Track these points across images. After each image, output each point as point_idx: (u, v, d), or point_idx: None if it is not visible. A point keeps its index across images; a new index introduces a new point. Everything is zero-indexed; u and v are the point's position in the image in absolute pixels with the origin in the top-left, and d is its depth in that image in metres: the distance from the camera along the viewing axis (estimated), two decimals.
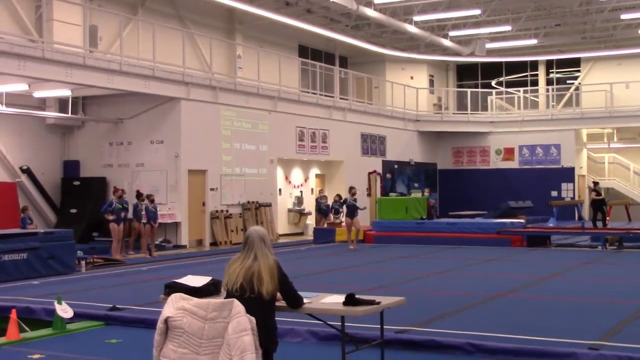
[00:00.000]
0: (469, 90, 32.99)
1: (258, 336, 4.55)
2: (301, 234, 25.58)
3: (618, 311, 9.09)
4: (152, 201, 18.10)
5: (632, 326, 8.12)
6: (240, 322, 4.49)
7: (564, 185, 30.73)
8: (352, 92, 28.05)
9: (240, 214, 21.95)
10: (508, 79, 35.46)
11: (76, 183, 20.78)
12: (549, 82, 35.27)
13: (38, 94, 18.94)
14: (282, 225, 24.92)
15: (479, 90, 33.65)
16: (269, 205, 23.10)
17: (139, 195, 18.12)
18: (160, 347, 4.59)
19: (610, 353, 6.64)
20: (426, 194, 26.62)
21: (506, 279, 12.84)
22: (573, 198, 30.20)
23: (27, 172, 19.78)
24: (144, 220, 17.85)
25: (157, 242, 18.81)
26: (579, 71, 34.52)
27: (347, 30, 28.88)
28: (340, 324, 5.42)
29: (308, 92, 25.57)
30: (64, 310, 8.37)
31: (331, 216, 23.64)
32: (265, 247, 5.01)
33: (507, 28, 29.07)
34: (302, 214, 25.94)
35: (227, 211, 21.45)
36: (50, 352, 7.51)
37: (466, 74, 36.83)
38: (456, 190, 32.26)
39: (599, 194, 23.53)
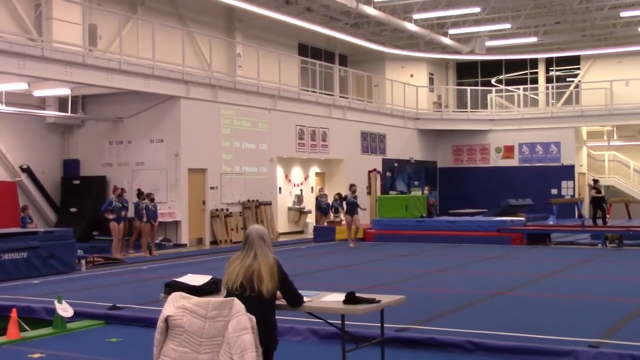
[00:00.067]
0: (468, 88, 32.98)
1: (258, 335, 4.55)
2: (301, 232, 25.59)
3: (618, 309, 9.10)
4: (152, 200, 18.10)
5: (632, 324, 8.12)
6: (241, 320, 4.49)
7: (564, 183, 30.74)
8: (352, 91, 28.04)
9: (241, 212, 21.96)
10: (508, 77, 35.46)
11: (76, 182, 20.78)
12: (549, 79, 35.26)
13: (38, 93, 18.94)
14: (282, 223, 24.93)
15: (479, 88, 33.64)
16: (269, 203, 23.11)
17: (140, 194, 18.12)
18: (160, 345, 4.59)
19: (611, 351, 6.64)
20: (426, 192, 26.62)
21: (506, 277, 12.85)
22: (573, 196, 30.21)
23: (27, 171, 19.78)
24: (144, 219, 17.85)
25: (157, 241, 18.82)
26: (578, 69, 34.51)
27: (347, 28, 28.87)
28: (340, 322, 5.42)
29: (308, 91, 25.56)
30: (64, 309, 8.37)
31: (331, 215, 23.65)
32: (265, 246, 5.01)
33: (507, 26, 29.06)
34: (302, 212, 25.94)
35: (227, 210, 21.45)
36: (51, 351, 7.51)
37: (466, 72, 36.82)
38: (456, 188, 32.27)
39: (598, 191, 23.52)
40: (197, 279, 5.48)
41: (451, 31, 29.70)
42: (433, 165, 33.15)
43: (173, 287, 5.33)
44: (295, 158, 25.49)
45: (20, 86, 17.76)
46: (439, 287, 11.76)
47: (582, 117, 30.82)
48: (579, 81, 33.86)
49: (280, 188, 24.66)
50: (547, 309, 9.28)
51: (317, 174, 27.48)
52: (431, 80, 34.56)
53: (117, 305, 9.51)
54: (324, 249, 19.33)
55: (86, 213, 20.05)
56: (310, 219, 25.76)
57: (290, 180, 25.85)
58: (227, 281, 4.99)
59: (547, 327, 7.83)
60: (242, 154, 22.10)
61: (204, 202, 20.84)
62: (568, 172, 30.78)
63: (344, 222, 21.08)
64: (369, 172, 28.48)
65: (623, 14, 27.70)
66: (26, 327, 8.65)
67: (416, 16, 27.39)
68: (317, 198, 24.87)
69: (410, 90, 31.21)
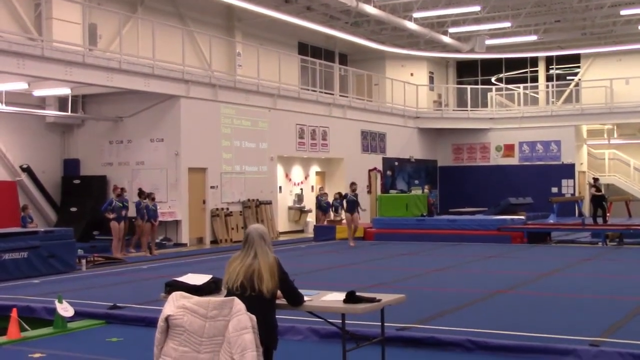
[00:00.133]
0: (468, 87, 32.98)
1: (259, 334, 4.55)
2: (301, 231, 25.59)
3: (619, 307, 9.09)
4: (152, 199, 18.11)
5: (633, 322, 8.12)
6: (241, 320, 4.49)
7: (564, 182, 30.74)
8: (352, 90, 28.04)
9: (241, 211, 21.96)
10: (508, 76, 35.46)
11: (76, 181, 20.78)
12: (549, 78, 35.26)
13: (38, 92, 18.94)
14: (283, 222, 24.93)
15: (479, 86, 33.66)
16: (269, 203, 23.11)
17: (140, 193, 18.13)
18: (161, 345, 4.59)
19: (611, 349, 6.63)
20: (426, 191, 26.61)
21: (506, 276, 12.85)
22: (573, 194, 30.22)
23: (27, 170, 19.79)
24: (145, 219, 17.85)
25: (157, 241, 18.82)
26: (578, 67, 34.51)
27: (347, 27, 28.87)
28: (340, 321, 5.42)
29: (308, 90, 25.56)
30: (65, 309, 8.37)
31: (331, 214, 23.65)
32: (265, 245, 5.01)
33: (507, 24, 29.06)
34: (302, 211, 25.94)
35: (227, 209, 21.45)
36: (51, 350, 7.52)
37: (466, 70, 36.82)
38: (456, 187, 32.28)
39: (598, 190, 23.53)
40: (198, 279, 5.48)
41: (451, 30, 29.70)
42: (433, 164, 33.16)
43: (173, 286, 5.33)
44: (296, 157, 25.49)
45: (20, 86, 17.76)
46: (439, 286, 11.75)
47: (583, 115, 30.82)
48: (579, 79, 33.86)
49: (280, 187, 24.66)
50: (548, 308, 9.27)
51: (317, 173, 27.48)
52: (431, 79, 34.56)
53: (118, 304, 9.51)
54: (324, 248, 19.33)
55: (86, 212, 20.05)
56: (311, 218, 25.77)
57: (290, 180, 25.85)
58: (227, 281, 4.99)
59: (547, 326, 7.83)
60: (242, 153, 22.10)
61: (204, 202, 20.85)
62: (568, 170, 30.78)
63: (344, 221, 21.07)
64: (369, 171, 28.49)
65: (623, 12, 27.71)
66: (27, 326, 8.65)
67: (416, 15, 27.38)
68: (317, 197, 24.88)
69: (411, 89, 31.21)
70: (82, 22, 18.49)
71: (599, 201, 23.23)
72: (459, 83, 36.13)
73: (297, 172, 26.28)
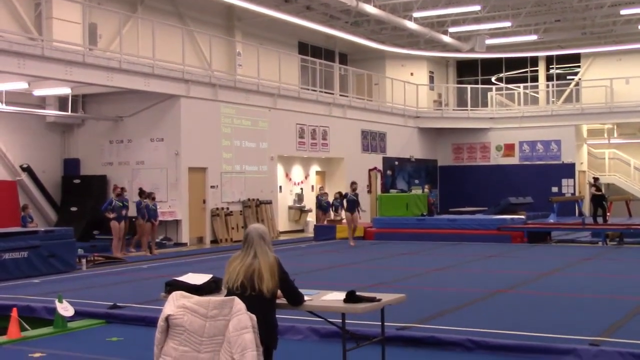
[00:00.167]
0: (469, 87, 32.98)
1: (259, 334, 4.55)
2: (302, 231, 25.59)
3: (619, 307, 9.09)
4: (152, 199, 18.11)
5: (633, 322, 8.12)
6: (241, 319, 4.49)
7: (564, 181, 30.75)
8: (352, 89, 28.04)
9: (241, 211, 21.96)
10: (508, 75, 35.46)
11: (76, 181, 20.78)
12: (549, 77, 35.26)
13: (38, 92, 18.94)
14: (283, 222, 24.93)
15: (479, 86, 33.66)
16: (270, 202, 23.11)
17: (141, 193, 18.13)
18: (161, 345, 4.59)
19: (611, 349, 6.63)
20: (426, 190, 26.63)
21: (506, 275, 12.85)
22: (573, 194, 30.22)
23: (28, 170, 19.79)
24: (145, 218, 17.86)
25: (157, 240, 18.82)
26: (579, 67, 34.51)
27: (347, 27, 28.86)
28: (341, 321, 5.42)
29: (308, 89, 25.56)
30: (65, 309, 8.37)
31: (332, 213, 23.65)
32: (264, 245, 5.01)
33: (507, 24, 29.05)
34: (302, 211, 25.94)
35: (227, 209, 21.45)
36: (51, 350, 7.52)
37: (466, 70, 36.81)
38: (457, 186, 32.28)
39: (598, 189, 23.53)
40: (198, 278, 5.47)
41: (451, 29, 29.70)
42: (433, 164, 33.16)
43: (173, 286, 5.33)
44: (296, 157, 25.49)
45: (21, 85, 17.76)
46: (439, 285, 11.75)
47: (583, 115, 30.82)
48: (579, 79, 33.86)
49: (280, 187, 24.66)
50: (548, 307, 9.27)
51: (317, 172, 27.49)
52: (431, 79, 34.56)
53: (118, 304, 9.51)
54: (325, 248, 19.33)
55: (86, 212, 20.05)
56: (311, 218, 25.77)
57: (290, 179, 25.85)
58: (227, 280, 5.00)
59: (547, 326, 7.83)
60: (243, 152, 22.10)
61: (204, 201, 20.85)
62: (568, 170, 30.78)
63: (344, 221, 21.08)
64: (370, 170, 28.49)
65: (623, 12, 27.71)
66: (27, 326, 8.65)
67: (416, 14, 27.38)
68: (317, 197, 24.88)
69: (411, 88, 31.21)
70: (82, 22, 18.50)
71: (599, 201, 23.23)
72: (459, 83, 36.13)
73: (297, 171, 26.29)
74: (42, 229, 15.13)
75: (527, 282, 11.75)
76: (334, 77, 27.76)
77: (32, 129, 20.22)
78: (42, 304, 9.76)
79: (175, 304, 4.60)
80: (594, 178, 25.16)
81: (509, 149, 31.99)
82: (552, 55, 34.71)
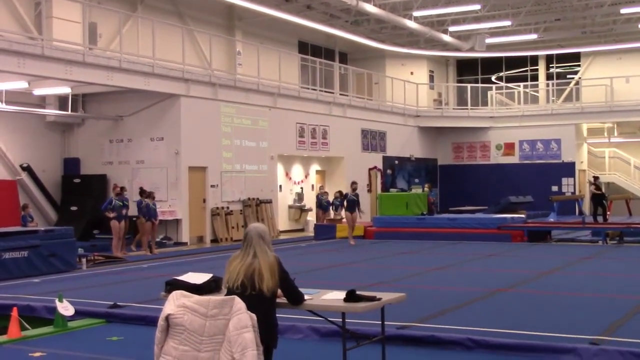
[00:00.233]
0: (469, 86, 32.98)
1: (259, 333, 4.55)
2: (302, 230, 25.59)
3: (619, 306, 9.10)
4: (152, 198, 18.11)
5: (633, 321, 8.12)
6: (241, 319, 4.49)
7: (564, 180, 30.75)
8: (352, 88, 28.03)
9: (241, 210, 21.96)
10: (508, 74, 35.45)
11: (76, 180, 20.79)
12: (549, 76, 35.26)
13: (38, 91, 18.93)
14: (283, 221, 24.93)
15: (479, 85, 33.67)
16: (270, 201, 23.11)
17: (142, 192, 18.13)
18: (161, 344, 4.60)
19: (612, 348, 6.63)
20: (426, 189, 26.63)
21: (506, 274, 12.85)
22: (574, 193, 30.22)
23: (28, 169, 19.79)
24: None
25: (157, 239, 18.82)
26: (579, 66, 34.50)
27: (347, 26, 28.85)
28: (341, 320, 5.42)
29: (308, 88, 25.56)
30: (65, 308, 8.38)
31: (332, 212, 23.64)
32: (263, 244, 5.00)
33: (507, 23, 29.04)
34: (302, 210, 25.94)
35: (227, 208, 21.45)
36: (52, 350, 7.52)
37: (466, 69, 36.81)
38: (457, 185, 32.29)
39: (598, 188, 23.53)
40: (198, 277, 5.48)
41: (451, 28, 29.69)
42: (433, 163, 33.16)
43: (174, 285, 5.33)
44: (296, 156, 25.49)
45: (21, 85, 17.75)
46: (439, 284, 11.75)
47: (583, 114, 30.83)
48: (579, 78, 33.86)
49: (280, 186, 24.66)
50: (548, 306, 9.27)
51: (317, 171, 27.49)
52: (431, 78, 34.55)
53: (118, 303, 9.51)
54: (325, 247, 19.33)
55: (87, 211, 20.05)
56: (311, 217, 25.77)
57: (290, 178, 25.85)
58: (227, 280, 5.00)
59: (547, 325, 7.83)
60: (243, 151, 22.10)
61: (204, 200, 20.85)
62: (568, 169, 30.79)
63: (344, 220, 21.09)
64: (370, 169, 28.49)
65: (623, 11, 27.70)
66: (27, 325, 8.65)
67: (416, 14, 27.37)
68: (317, 196, 24.87)
69: (411, 87, 31.20)
70: (82, 21, 18.49)
71: (599, 200, 23.22)
72: (459, 82, 36.12)
73: (297, 170, 26.29)
74: (42, 229, 15.13)
75: (527, 281, 11.75)
76: (334, 76, 27.76)
77: (32, 129, 20.22)
78: (43, 303, 9.76)
79: (175, 303, 4.60)
80: (594, 177, 25.17)
81: (509, 148, 31.99)
82: (552, 54, 34.70)
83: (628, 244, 18.42)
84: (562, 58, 34.78)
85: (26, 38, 17.31)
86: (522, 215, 22.90)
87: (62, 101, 19.92)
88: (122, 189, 17.83)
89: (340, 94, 27.21)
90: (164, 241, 19.55)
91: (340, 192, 22.42)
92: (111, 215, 17.05)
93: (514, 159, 31.91)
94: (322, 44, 30.62)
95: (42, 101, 20.18)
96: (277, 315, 5.05)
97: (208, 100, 20.80)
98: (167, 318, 4.57)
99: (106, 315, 9.15)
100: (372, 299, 5.43)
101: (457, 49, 32.23)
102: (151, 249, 17.93)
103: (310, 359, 7.17)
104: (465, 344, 7.15)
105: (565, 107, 32.07)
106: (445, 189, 32.64)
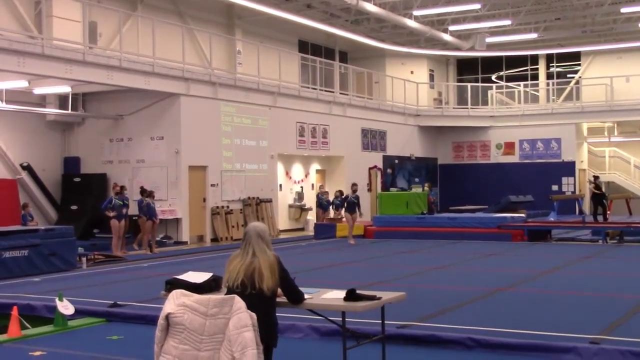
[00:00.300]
0: (469, 85, 32.97)
1: (259, 332, 4.55)
2: (302, 229, 25.59)
3: (619, 305, 9.10)
4: (152, 197, 18.11)
5: (633, 320, 8.12)
6: (241, 318, 4.49)
7: (564, 180, 30.74)
8: (352, 87, 28.03)
9: (241, 209, 21.96)
10: (508, 73, 35.44)
11: (77, 179, 20.79)
12: (549, 76, 35.25)
13: (38, 90, 18.93)
14: (283, 221, 24.93)
15: (479, 84, 33.66)
16: (270, 201, 23.11)
17: (143, 191, 18.13)
18: (161, 343, 4.60)
19: (612, 347, 6.64)
20: (427, 188, 26.62)
21: (507, 274, 12.85)
22: (574, 192, 30.22)
23: (28, 168, 19.79)
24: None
25: (158, 239, 18.82)
26: (579, 65, 34.50)
27: (347, 25, 28.85)
28: (341, 319, 5.42)
29: (308, 88, 25.55)
30: (65, 307, 8.38)
31: (332, 211, 23.64)
32: (262, 243, 5.00)
33: (507, 22, 29.04)
34: (302, 209, 25.94)
35: (227, 207, 21.46)
36: (52, 349, 7.52)
37: (466, 68, 36.80)
38: (457, 184, 32.29)
39: (598, 187, 23.52)
40: (198, 277, 5.48)
41: (451, 28, 29.68)
42: (433, 162, 33.16)
43: (174, 284, 5.33)
44: (296, 155, 25.48)
45: (21, 84, 17.75)
46: (439, 283, 11.75)
47: (583, 113, 30.82)
48: (580, 77, 33.85)
49: (280, 185, 24.66)
50: (548, 306, 9.28)
51: (317, 171, 27.48)
52: (431, 77, 34.54)
53: (118, 302, 9.51)
54: (325, 246, 19.33)
55: (87, 211, 20.05)
56: (311, 216, 25.77)
57: (290, 177, 25.86)
58: (227, 279, 5.00)
59: (548, 324, 7.83)
60: (243, 151, 22.10)
61: (204, 200, 20.85)
62: (569, 168, 30.78)
63: (344, 219, 21.09)
64: (370, 169, 28.48)
65: (623, 10, 27.69)
66: (27, 324, 8.65)
67: (416, 13, 27.36)
68: (317, 195, 24.88)
69: (411, 86, 31.20)
70: (82, 20, 18.48)
71: (599, 199, 23.21)
72: (459, 81, 36.11)
73: (297, 170, 26.29)
74: (43, 228, 15.13)
75: (528, 281, 11.75)
76: (334, 75, 27.75)
77: (32, 128, 20.21)
78: (43, 302, 9.76)
79: (175, 302, 4.60)
80: (594, 176, 25.16)
81: (509, 147, 31.98)
82: (553, 54, 34.69)
83: (628, 244, 18.43)
84: (562, 57, 34.77)
85: (26, 37, 17.31)
86: (522, 215, 22.90)
87: (62, 100, 19.92)
88: (122, 188, 17.83)
89: (341, 93, 27.21)
90: (164, 240, 19.55)
91: (340, 191, 22.42)
92: (111, 214, 17.05)
93: (514, 158, 31.90)
94: (322, 43, 30.62)
95: (42, 100, 20.18)
96: (277, 314, 5.05)
97: (208, 100, 20.80)
98: (167, 317, 4.57)
99: (106, 314, 9.15)
100: (372, 298, 5.43)
101: (457, 48, 32.23)
102: (151, 248, 17.93)
103: (310, 358, 7.17)
104: (465, 343, 7.15)
105: (565, 106, 32.06)
106: (446, 188, 32.64)
